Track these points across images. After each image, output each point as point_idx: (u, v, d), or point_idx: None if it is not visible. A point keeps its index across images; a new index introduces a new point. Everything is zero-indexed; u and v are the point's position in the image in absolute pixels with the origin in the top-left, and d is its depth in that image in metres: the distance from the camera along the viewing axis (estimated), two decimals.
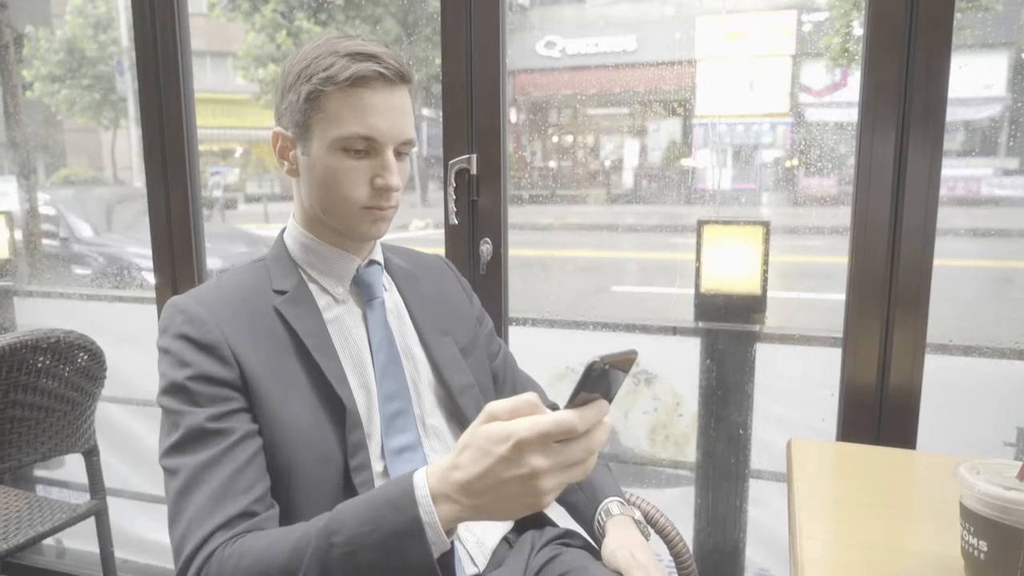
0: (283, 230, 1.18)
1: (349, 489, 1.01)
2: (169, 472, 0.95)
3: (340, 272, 1.14)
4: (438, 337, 1.21)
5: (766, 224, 1.87)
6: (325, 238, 1.12)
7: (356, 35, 1.05)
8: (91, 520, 1.97)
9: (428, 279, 1.29)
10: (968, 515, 0.86)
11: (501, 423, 0.73)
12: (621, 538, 1.17)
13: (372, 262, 1.17)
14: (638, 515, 1.24)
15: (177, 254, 2.07)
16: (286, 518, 0.97)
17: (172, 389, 0.97)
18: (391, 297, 1.20)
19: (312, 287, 1.12)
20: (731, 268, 1.92)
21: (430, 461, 1.10)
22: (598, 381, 0.72)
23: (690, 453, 2.05)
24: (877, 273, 1.50)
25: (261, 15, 8.40)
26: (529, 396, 0.74)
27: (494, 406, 0.75)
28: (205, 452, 0.93)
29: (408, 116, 1.06)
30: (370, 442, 1.06)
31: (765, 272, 1.88)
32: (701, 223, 1.91)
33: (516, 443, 0.71)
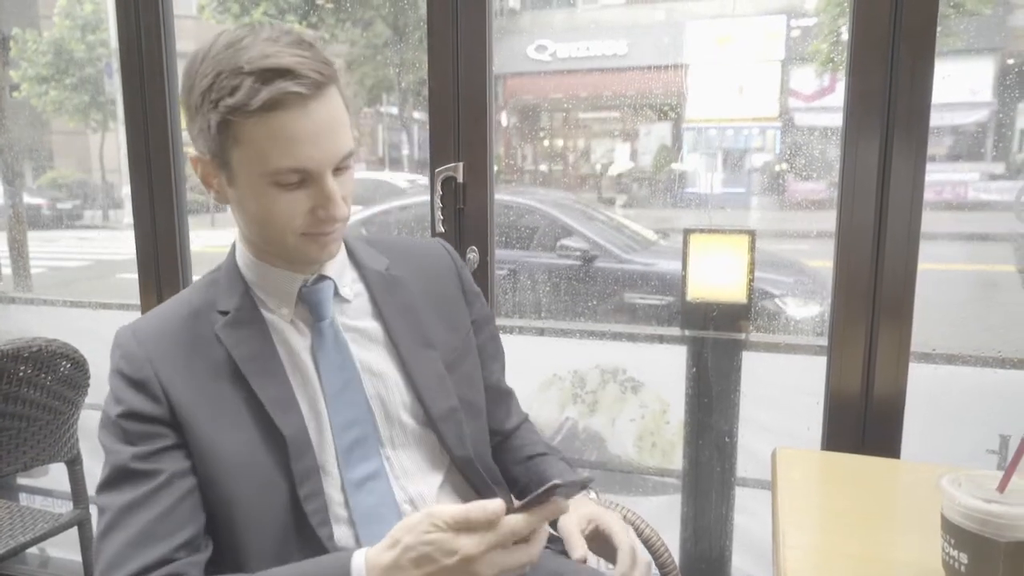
0: (235, 240, 1.08)
1: (300, 519, 0.96)
2: (99, 509, 0.93)
3: (282, 292, 1.04)
4: (420, 352, 1.09)
5: (752, 233, 1.86)
6: (264, 258, 1.03)
7: (263, 27, 0.91)
8: (75, 529, 1.96)
9: (417, 279, 1.15)
10: (949, 527, 0.86)
11: (450, 536, 0.77)
12: (581, 511, 1.12)
13: (322, 278, 1.05)
14: (593, 496, 1.20)
15: (161, 259, 2.05)
16: (232, 551, 0.95)
17: (106, 424, 0.96)
18: (359, 308, 1.10)
19: (260, 305, 1.04)
20: (717, 277, 1.91)
21: (396, 491, 1.04)
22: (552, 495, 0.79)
23: (677, 461, 2.05)
24: (862, 280, 1.50)
25: (251, 18, 8.36)
26: (483, 507, 0.77)
27: (439, 515, 0.78)
28: (129, 493, 0.90)
29: (341, 125, 0.92)
30: (326, 473, 1.00)
31: (751, 280, 1.88)
32: (687, 231, 1.90)
33: (464, 557, 0.76)
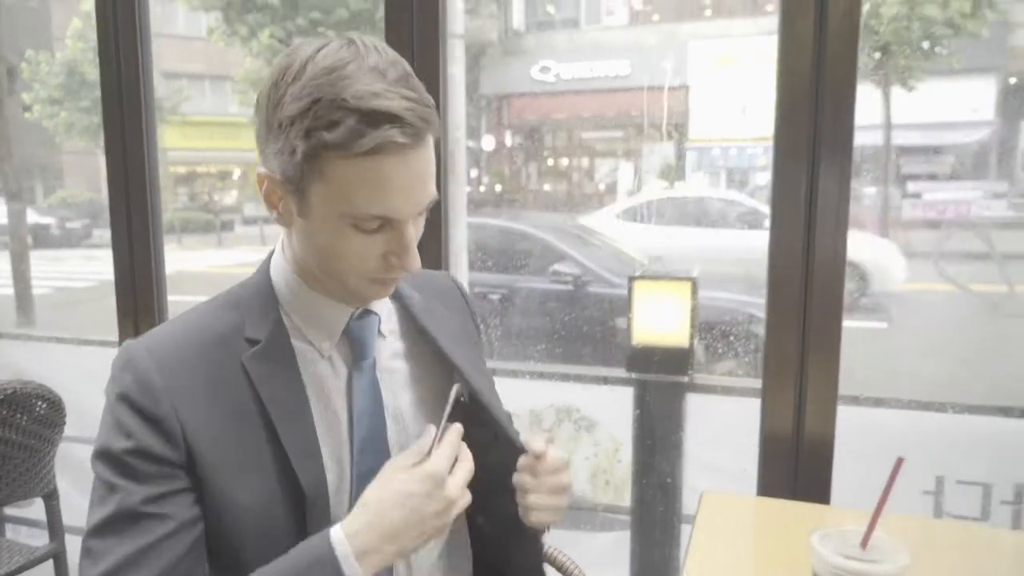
0: (270, 256, 0.99)
1: None
2: (92, 554, 0.83)
3: (328, 324, 0.96)
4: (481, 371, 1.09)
5: (693, 280, 1.93)
6: (316, 288, 0.95)
7: (368, 51, 0.82)
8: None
9: (447, 312, 1.11)
10: None
11: (413, 468, 0.86)
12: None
13: (367, 312, 0.99)
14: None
15: (138, 282, 2.04)
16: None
17: (108, 458, 0.86)
18: (392, 345, 1.03)
19: (294, 334, 0.95)
20: (661, 322, 1.98)
21: None
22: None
23: (628, 498, 2.10)
24: (791, 315, 1.49)
25: (258, 40, 8.49)
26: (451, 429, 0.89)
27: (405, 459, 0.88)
28: (134, 541, 0.83)
29: (430, 173, 0.86)
30: (338, 521, 0.92)
31: (693, 326, 1.94)
32: (632, 279, 1.97)
33: (432, 476, 0.85)
